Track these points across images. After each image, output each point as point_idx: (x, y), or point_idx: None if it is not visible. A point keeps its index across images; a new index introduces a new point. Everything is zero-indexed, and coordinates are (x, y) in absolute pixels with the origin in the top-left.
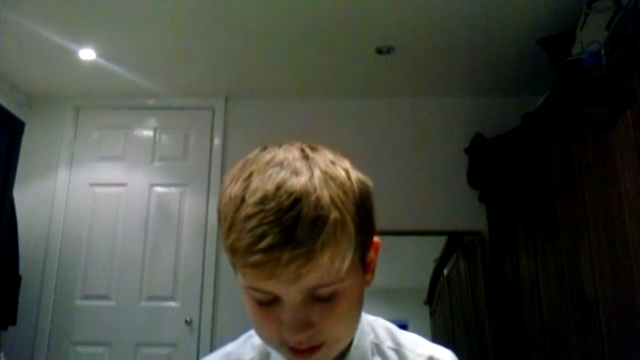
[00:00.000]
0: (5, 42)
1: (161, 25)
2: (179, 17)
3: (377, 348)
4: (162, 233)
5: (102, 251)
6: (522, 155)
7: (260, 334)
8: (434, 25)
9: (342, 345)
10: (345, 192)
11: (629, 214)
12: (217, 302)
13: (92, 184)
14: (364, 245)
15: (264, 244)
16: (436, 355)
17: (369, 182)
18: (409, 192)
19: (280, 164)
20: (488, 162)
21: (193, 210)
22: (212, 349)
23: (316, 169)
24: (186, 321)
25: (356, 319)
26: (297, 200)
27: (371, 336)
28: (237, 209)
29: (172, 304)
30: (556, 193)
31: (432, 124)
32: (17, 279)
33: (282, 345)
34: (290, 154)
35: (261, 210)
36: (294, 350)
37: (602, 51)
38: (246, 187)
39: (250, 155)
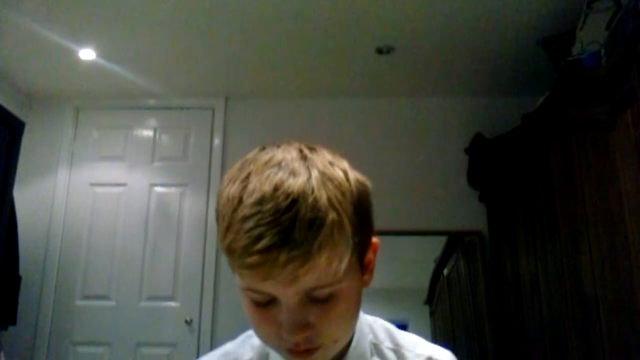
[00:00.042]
0: (5, 42)
1: (161, 25)
2: (179, 17)
3: (376, 348)
4: (162, 233)
5: (102, 251)
6: (522, 155)
7: (258, 334)
8: (434, 25)
9: (340, 346)
10: (343, 193)
11: (629, 214)
12: (217, 302)
13: (92, 184)
14: (362, 246)
15: (261, 245)
16: (435, 356)
17: (368, 183)
18: (408, 192)
19: (278, 165)
20: (488, 162)
21: (193, 210)
22: (212, 349)
23: (314, 170)
24: (186, 321)
25: (354, 320)
26: (295, 201)
27: (370, 337)
28: (235, 210)
29: (172, 304)
30: (556, 193)
31: (432, 124)
32: (17, 279)
33: (280, 345)
34: (288, 154)
35: (258, 211)
36: (292, 351)
37: (602, 51)
38: (244, 188)
39: (249, 156)
